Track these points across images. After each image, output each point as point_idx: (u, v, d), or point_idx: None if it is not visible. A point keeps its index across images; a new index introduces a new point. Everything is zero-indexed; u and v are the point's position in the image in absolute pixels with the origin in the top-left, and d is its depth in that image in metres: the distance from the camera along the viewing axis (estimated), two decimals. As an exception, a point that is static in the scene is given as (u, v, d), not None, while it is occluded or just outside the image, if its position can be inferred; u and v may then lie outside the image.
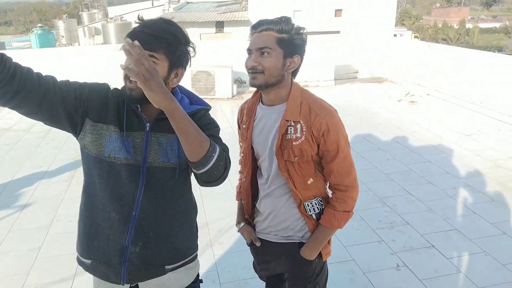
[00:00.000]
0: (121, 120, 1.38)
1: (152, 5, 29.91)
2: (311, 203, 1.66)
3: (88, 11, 31.86)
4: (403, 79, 9.08)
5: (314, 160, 1.62)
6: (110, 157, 1.37)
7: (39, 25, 28.10)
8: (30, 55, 9.07)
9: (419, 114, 7.01)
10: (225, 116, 7.31)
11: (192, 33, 18.82)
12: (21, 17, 76.88)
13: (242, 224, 1.89)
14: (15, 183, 4.65)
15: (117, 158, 1.37)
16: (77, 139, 1.43)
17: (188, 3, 25.05)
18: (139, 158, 1.39)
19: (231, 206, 3.83)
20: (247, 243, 1.88)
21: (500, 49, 38.90)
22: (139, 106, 1.38)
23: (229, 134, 6.21)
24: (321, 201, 1.69)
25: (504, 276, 2.94)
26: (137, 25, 1.33)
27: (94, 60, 8.70)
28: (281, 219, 1.70)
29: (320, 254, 1.71)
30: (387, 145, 5.58)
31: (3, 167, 5.13)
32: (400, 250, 3.26)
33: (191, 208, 1.58)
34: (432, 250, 3.25)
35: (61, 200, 4.21)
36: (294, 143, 1.57)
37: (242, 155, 1.78)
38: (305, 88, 1.67)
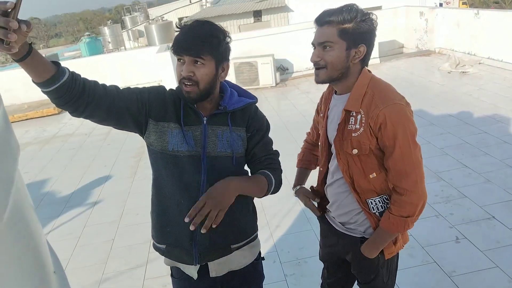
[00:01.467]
0: (180, 117, 1.55)
1: (190, 2, 30.40)
2: (374, 201, 1.59)
3: (130, 14, 32.88)
4: (451, 49, 8.72)
5: (376, 154, 1.53)
6: (173, 150, 1.54)
7: (87, 33, 29.48)
8: (81, 63, 9.64)
9: (472, 85, 6.74)
10: (270, 105, 7.41)
11: (230, 25, 19.00)
12: (69, 27, 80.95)
13: (298, 187, 1.93)
14: (84, 183, 5.06)
15: (180, 151, 1.53)
16: (143, 138, 1.61)
17: (224, -4, 25.22)
18: (199, 149, 1.54)
19: (283, 193, 3.94)
20: (316, 215, 1.89)
21: (560, 7, 35.79)
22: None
23: (276, 122, 6.31)
24: (386, 200, 1.60)
25: None
26: (177, 31, 1.48)
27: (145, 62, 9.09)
28: (342, 211, 1.69)
29: (382, 253, 1.65)
30: (440, 119, 5.45)
31: (72, 169, 5.57)
32: (459, 223, 3.23)
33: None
34: (493, 221, 3.20)
35: (127, 195, 4.53)
36: (353, 134, 1.52)
37: (320, 144, 1.77)
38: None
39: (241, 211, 1.66)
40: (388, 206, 1.59)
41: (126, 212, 4.16)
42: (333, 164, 1.67)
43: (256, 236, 1.77)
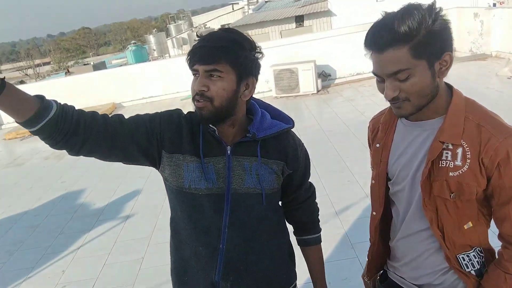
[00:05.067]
0: (198, 147, 1.27)
1: (233, 9, 30.65)
2: (467, 256, 1.23)
3: (175, 23, 33.62)
4: (511, 52, 8.01)
5: (478, 198, 1.19)
6: (190, 188, 1.27)
7: (133, 41, 30.43)
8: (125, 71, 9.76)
9: (536, 91, 6.10)
10: (311, 113, 7.08)
11: (272, 31, 18.85)
12: (118, 36, 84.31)
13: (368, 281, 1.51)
14: (118, 195, 4.95)
15: (198, 189, 1.27)
16: (159, 171, 1.36)
17: (266, 1, 25.17)
18: (222, 185, 1.27)
19: (321, 213, 3.63)
20: None
21: None
22: (216, 129, 1.25)
23: (317, 132, 5.97)
24: (481, 253, 1.26)
25: None
26: (196, 41, 1.21)
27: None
28: (425, 271, 1.30)
29: None
30: (500, 130, 4.90)
31: (107, 180, 5.49)
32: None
33: (282, 234, 1.43)
34: None
35: (160, 209, 4.36)
36: (450, 174, 1.15)
37: (373, 181, 1.38)
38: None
39: (272, 256, 1.38)
40: (484, 261, 1.25)
41: (158, 228, 3.97)
42: (405, 211, 1.28)
43: (295, 287, 1.48)
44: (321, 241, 1.52)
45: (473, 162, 1.13)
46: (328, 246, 3.23)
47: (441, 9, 1.08)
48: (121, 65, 21.28)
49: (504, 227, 1.17)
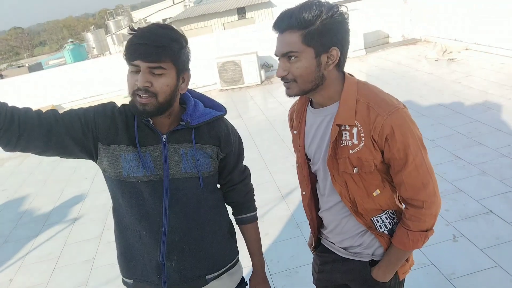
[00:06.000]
0: (134, 137, 1.33)
1: (173, 2, 30.06)
2: (380, 218, 1.40)
3: (114, 19, 32.53)
4: (437, 36, 8.59)
5: (380, 169, 1.34)
6: (129, 177, 1.34)
7: (70, 40, 29.13)
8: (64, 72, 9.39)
9: (460, 72, 6.60)
10: (256, 104, 7.23)
11: (215, 24, 18.78)
12: (53, 35, 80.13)
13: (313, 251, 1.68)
14: (65, 198, 4.83)
15: (137, 177, 1.34)
16: (97, 163, 1.41)
17: (207, -6, 24.96)
18: (160, 172, 1.34)
19: (268, 197, 3.81)
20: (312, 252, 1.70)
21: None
22: (150, 119, 1.33)
23: (262, 121, 6.13)
24: (393, 215, 1.43)
25: None
26: (131, 34, 1.26)
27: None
28: (345, 236, 1.47)
29: (396, 273, 1.45)
30: (429, 109, 5.30)
31: (52, 184, 5.35)
32: (455, 220, 3.07)
33: (221, 213, 1.53)
34: (491, 215, 3.05)
35: (108, 209, 4.32)
36: (351, 151, 1.30)
37: (297, 164, 1.53)
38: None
39: (214, 236, 1.48)
40: (396, 221, 1.42)
41: (107, 228, 3.95)
42: (325, 187, 1.44)
43: (237, 261, 1.59)
44: (257, 219, 1.62)
45: (366, 139, 1.28)
46: (276, 228, 3.40)
47: (340, 6, 1.22)
48: (59, 65, 20.35)
49: (401, 191, 1.34)
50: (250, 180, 1.61)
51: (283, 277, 2.84)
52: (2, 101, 1.18)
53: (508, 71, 6.16)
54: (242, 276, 1.62)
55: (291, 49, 1.22)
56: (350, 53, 8.81)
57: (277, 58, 1.30)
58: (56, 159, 6.28)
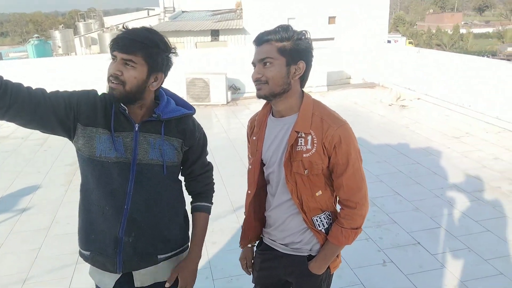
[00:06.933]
0: (110, 122, 1.51)
1: (148, 14, 30.13)
2: (319, 217, 1.65)
3: (84, 21, 32.04)
4: (394, 84, 9.27)
5: (324, 173, 1.60)
6: (101, 157, 1.50)
7: (36, 35, 28.27)
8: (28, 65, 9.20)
9: (409, 118, 7.18)
10: (220, 122, 7.45)
11: (188, 42, 19.02)
12: (18, 27, 77.18)
13: (243, 248, 1.91)
14: (14, 189, 4.76)
15: (108, 158, 1.50)
16: (72, 142, 1.57)
17: (183, 12, 25.29)
18: (129, 156, 1.52)
19: (221, 209, 3.98)
20: (248, 269, 1.93)
21: (493, 54, 39.08)
22: (126, 108, 1.51)
23: (223, 139, 6.35)
24: (329, 216, 1.67)
25: (486, 271, 3.07)
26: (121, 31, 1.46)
27: (90, 69, 8.84)
28: (287, 233, 1.70)
29: (328, 267, 1.70)
30: (378, 148, 5.73)
31: (3, 174, 5.24)
32: (387, 247, 3.39)
33: (180, 202, 1.71)
34: (418, 246, 3.39)
35: (60, 203, 4.32)
36: (304, 155, 1.55)
37: (250, 167, 1.75)
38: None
39: (170, 219, 1.65)
40: (331, 222, 1.67)
41: (57, 221, 3.96)
42: (277, 187, 1.67)
43: (187, 248, 1.76)
44: (210, 212, 1.79)
45: (318, 146, 1.55)
46: (224, 237, 3.57)
47: (305, 34, 1.55)
48: (20, 58, 19.73)
49: (340, 193, 1.62)
50: (212, 176, 1.80)
51: (225, 283, 3.00)
52: None
53: (451, 123, 6.79)
54: None
55: (267, 55, 1.51)
56: (313, 88, 9.33)
57: (253, 67, 1.56)
58: (8, 149, 6.16)
